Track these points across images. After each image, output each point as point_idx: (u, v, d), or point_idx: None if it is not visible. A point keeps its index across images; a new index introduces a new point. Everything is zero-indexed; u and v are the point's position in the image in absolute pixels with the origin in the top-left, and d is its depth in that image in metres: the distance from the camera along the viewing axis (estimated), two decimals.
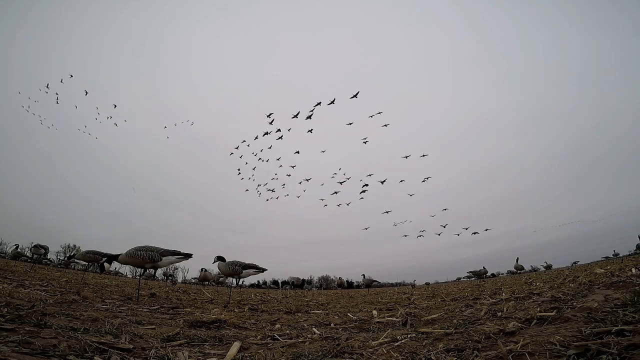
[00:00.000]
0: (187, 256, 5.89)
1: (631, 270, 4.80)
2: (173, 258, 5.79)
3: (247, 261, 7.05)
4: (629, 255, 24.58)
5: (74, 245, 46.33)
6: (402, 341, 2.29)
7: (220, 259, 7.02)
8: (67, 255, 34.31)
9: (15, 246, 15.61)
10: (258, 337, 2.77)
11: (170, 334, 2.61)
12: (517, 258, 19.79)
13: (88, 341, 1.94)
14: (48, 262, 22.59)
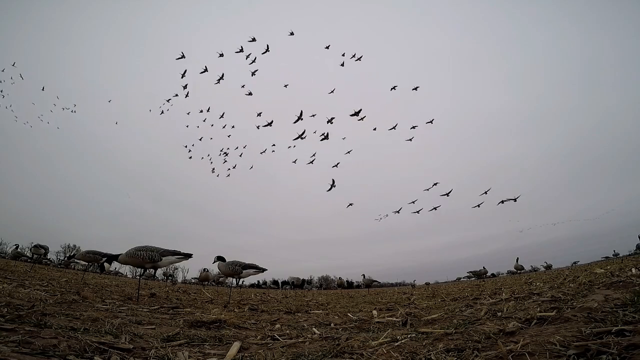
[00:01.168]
0: (187, 256, 5.89)
1: (631, 270, 4.79)
2: (173, 258, 5.79)
3: (247, 261, 7.06)
4: (629, 255, 24.58)
5: (74, 245, 46.37)
6: (402, 341, 2.29)
7: (220, 259, 7.02)
8: (67, 255, 34.31)
9: (15, 246, 15.61)
10: (258, 337, 2.77)
11: (170, 334, 2.61)
12: (517, 258, 19.81)
13: (88, 341, 1.94)
14: (48, 262, 22.59)
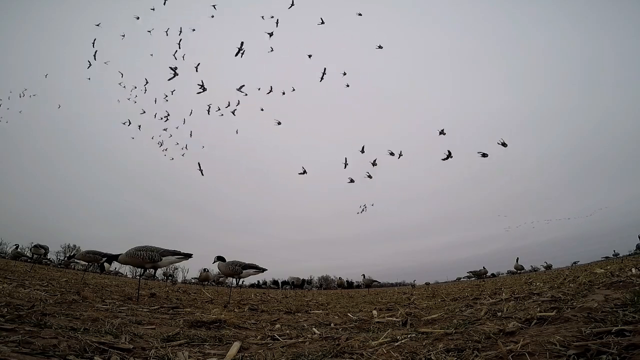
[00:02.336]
0: (187, 256, 5.89)
1: (631, 270, 4.80)
2: (173, 258, 5.79)
3: (247, 261, 7.06)
4: (629, 255, 24.59)
5: (74, 245, 46.30)
6: (402, 341, 2.29)
7: (220, 259, 7.03)
8: (67, 255, 34.27)
9: (15, 246, 15.60)
10: (258, 337, 2.77)
11: (170, 334, 2.61)
12: (517, 258, 19.81)
13: (88, 341, 1.94)
14: (48, 262, 22.58)
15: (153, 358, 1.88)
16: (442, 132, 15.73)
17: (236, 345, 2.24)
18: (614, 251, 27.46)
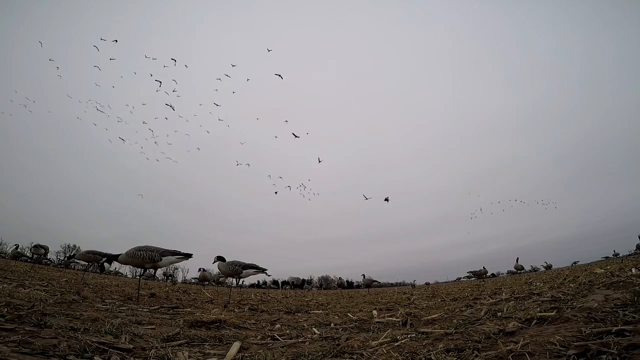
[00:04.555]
0: (187, 256, 5.89)
1: (631, 270, 4.79)
2: (173, 258, 5.79)
3: (247, 261, 7.05)
4: (629, 255, 24.61)
5: (74, 245, 46.36)
6: (402, 341, 2.29)
7: (220, 259, 7.02)
8: (67, 255, 34.30)
9: (15, 246, 15.60)
10: (258, 337, 2.77)
11: (170, 334, 2.61)
12: (517, 258, 19.82)
13: (88, 341, 1.94)
14: (48, 262, 22.58)
15: (153, 358, 1.88)
16: (386, 199, 17.11)
17: (236, 345, 2.24)
18: (614, 251, 27.51)
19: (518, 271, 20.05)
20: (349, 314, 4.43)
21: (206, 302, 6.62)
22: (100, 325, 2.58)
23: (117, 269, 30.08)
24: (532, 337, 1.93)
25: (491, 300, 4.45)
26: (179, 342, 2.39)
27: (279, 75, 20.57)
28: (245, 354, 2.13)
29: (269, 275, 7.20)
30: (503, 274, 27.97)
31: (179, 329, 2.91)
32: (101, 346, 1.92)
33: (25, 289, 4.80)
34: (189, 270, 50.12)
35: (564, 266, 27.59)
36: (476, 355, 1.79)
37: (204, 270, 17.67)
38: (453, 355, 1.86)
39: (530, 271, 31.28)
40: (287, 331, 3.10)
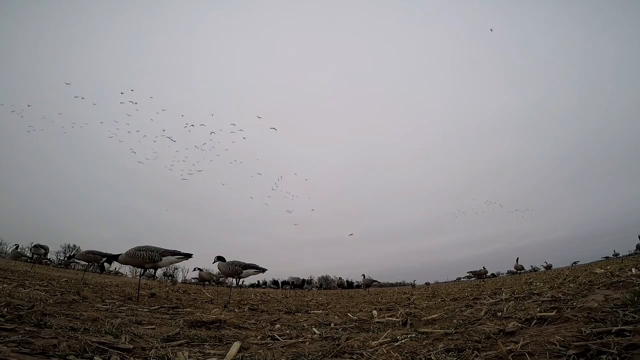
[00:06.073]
0: (187, 256, 5.89)
1: (631, 270, 4.80)
2: (173, 258, 5.79)
3: (247, 261, 7.06)
4: (629, 255, 24.58)
5: (74, 245, 46.27)
6: (402, 341, 2.29)
7: (220, 259, 7.03)
8: (67, 255, 34.26)
9: (15, 246, 15.58)
10: (258, 337, 2.77)
11: (170, 334, 2.61)
12: (517, 258, 19.82)
13: (88, 341, 1.94)
14: (48, 262, 22.58)
15: (153, 358, 1.88)
16: (350, 235, 18.34)
17: (236, 345, 2.24)
18: (614, 251, 27.49)
19: (518, 271, 20.05)
20: (349, 314, 4.43)
21: (206, 302, 6.62)
22: (100, 325, 2.58)
23: (117, 269, 30.10)
24: (532, 337, 1.93)
25: (491, 300, 4.45)
26: (179, 342, 2.39)
27: (274, 128, 20.83)
28: (245, 354, 2.13)
29: (264, 271, 7.22)
30: (503, 274, 27.96)
31: (179, 329, 2.91)
32: (101, 346, 1.92)
33: (25, 289, 4.80)
34: (189, 270, 50.07)
35: (564, 266, 27.59)
36: (476, 355, 1.79)
37: (200, 269, 17.65)
38: (453, 355, 1.86)
39: (530, 271, 31.28)
40: (287, 331, 3.10)
